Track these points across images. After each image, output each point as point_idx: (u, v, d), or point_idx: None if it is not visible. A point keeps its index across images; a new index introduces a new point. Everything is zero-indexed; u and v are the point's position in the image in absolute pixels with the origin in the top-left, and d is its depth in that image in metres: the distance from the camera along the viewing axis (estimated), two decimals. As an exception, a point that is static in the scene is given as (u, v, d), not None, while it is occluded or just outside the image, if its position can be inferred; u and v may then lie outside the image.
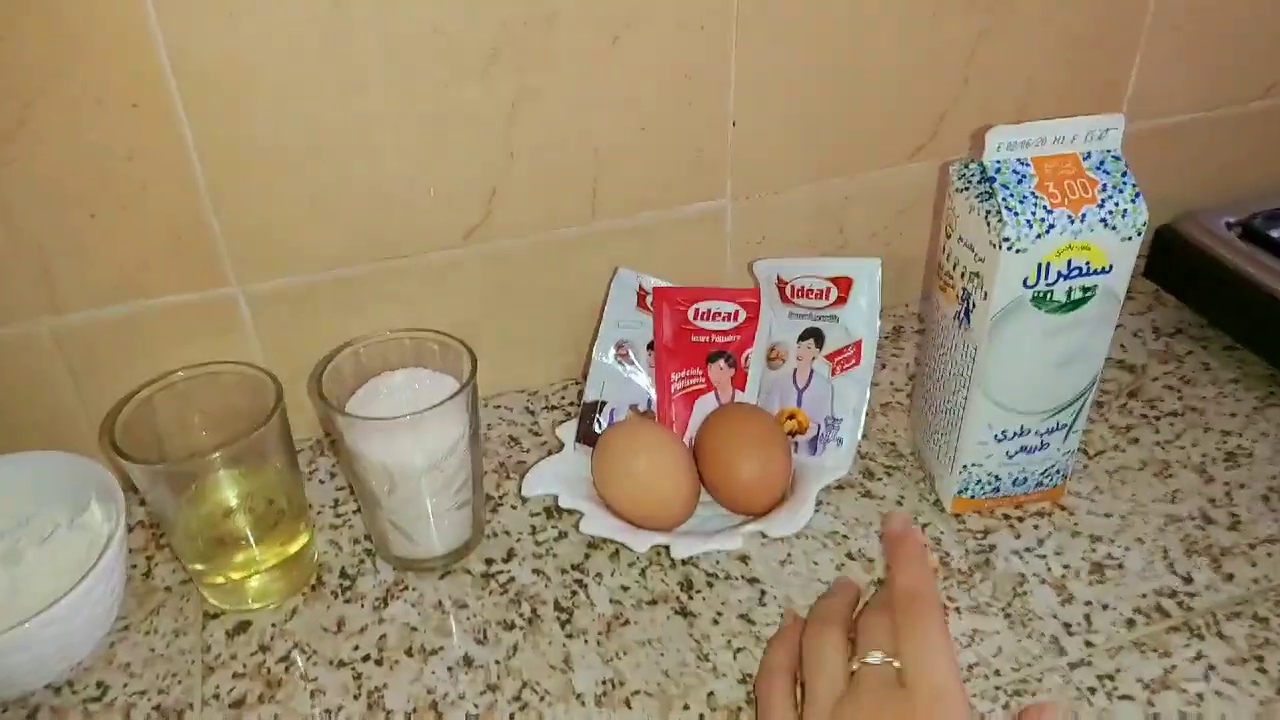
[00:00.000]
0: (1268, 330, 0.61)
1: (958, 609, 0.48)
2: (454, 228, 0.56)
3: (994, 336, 0.46)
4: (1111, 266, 0.45)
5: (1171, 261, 0.66)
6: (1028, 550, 0.52)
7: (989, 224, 0.44)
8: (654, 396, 0.57)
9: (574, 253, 0.59)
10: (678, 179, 0.59)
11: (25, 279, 0.50)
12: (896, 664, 0.38)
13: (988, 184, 0.44)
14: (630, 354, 0.57)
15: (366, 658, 0.48)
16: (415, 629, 0.49)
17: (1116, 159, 0.46)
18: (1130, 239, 0.45)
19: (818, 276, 0.55)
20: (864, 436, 0.59)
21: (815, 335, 0.56)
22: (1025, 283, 0.45)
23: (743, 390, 0.57)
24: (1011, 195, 0.44)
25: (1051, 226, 0.44)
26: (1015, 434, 0.50)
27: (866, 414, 0.55)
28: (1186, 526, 0.53)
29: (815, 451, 0.55)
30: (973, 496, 0.53)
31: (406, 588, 0.51)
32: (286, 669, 0.47)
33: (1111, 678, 0.45)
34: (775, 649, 0.44)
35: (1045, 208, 0.44)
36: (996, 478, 0.52)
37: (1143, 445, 0.58)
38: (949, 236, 0.48)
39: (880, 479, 0.56)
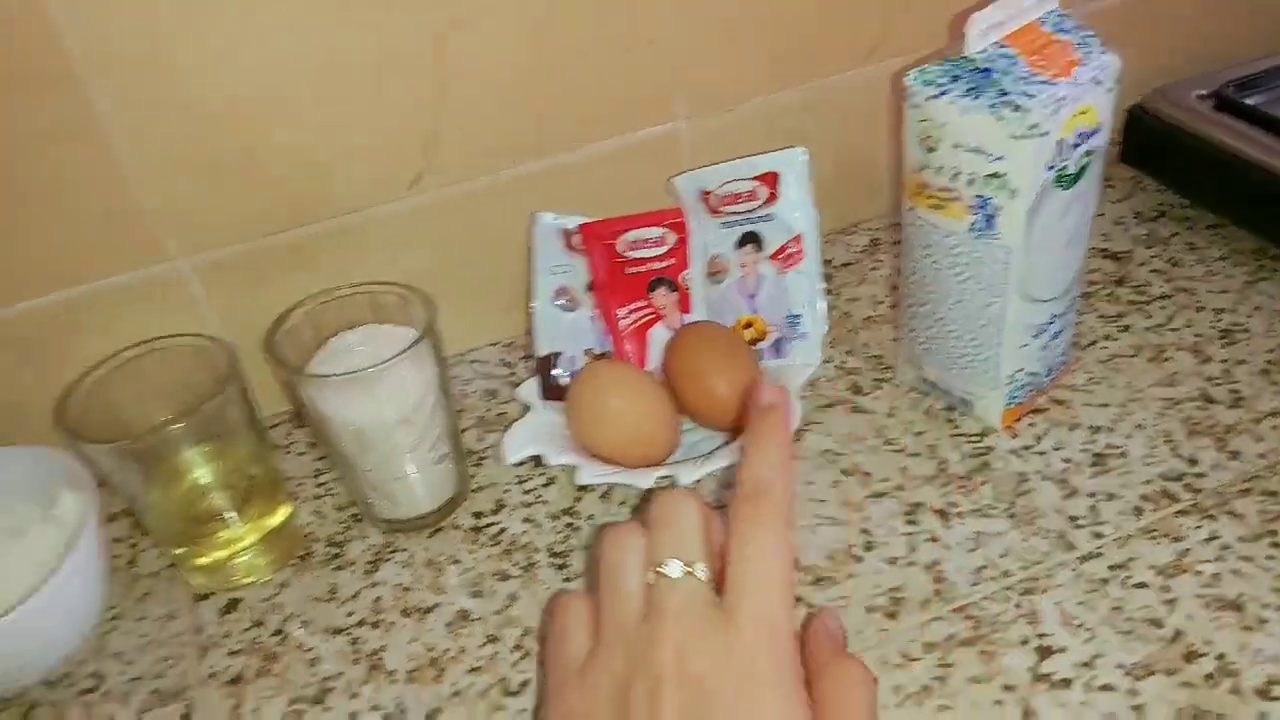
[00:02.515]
0: (1251, 202, 0.59)
1: (959, 514, 0.47)
2: (398, 177, 0.54)
3: (1028, 233, 0.44)
4: (1101, 124, 0.44)
5: (1146, 141, 0.64)
6: (1026, 449, 0.50)
7: (1002, 117, 0.41)
8: (605, 337, 0.55)
9: (529, 191, 0.57)
10: (624, 103, 0.56)
11: (-39, 273, 0.48)
12: (700, 574, 0.32)
13: (980, 77, 0.42)
14: (573, 298, 0.55)
15: (362, 622, 0.46)
16: (409, 589, 0.48)
17: (1063, 15, 0.44)
18: (1111, 89, 0.43)
19: (742, 179, 0.53)
20: (849, 353, 0.57)
21: (754, 239, 0.54)
22: (1049, 166, 0.42)
23: (689, 312, 0.56)
24: (1015, 80, 0.41)
25: (1062, 99, 0.41)
26: (1047, 324, 0.48)
27: (829, 306, 0.54)
28: (1187, 408, 0.51)
29: (781, 354, 0.54)
30: (1019, 404, 0.51)
31: (396, 549, 0.50)
32: (282, 641, 0.46)
33: (1124, 567, 0.44)
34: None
35: (1048, 82, 0.42)
36: (1034, 374, 0.50)
37: (1135, 331, 0.56)
38: (932, 150, 0.44)
39: (869, 393, 0.55)
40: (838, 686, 0.32)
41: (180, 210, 0.50)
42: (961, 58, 0.43)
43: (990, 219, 0.44)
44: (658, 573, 0.32)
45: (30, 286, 0.50)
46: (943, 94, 0.43)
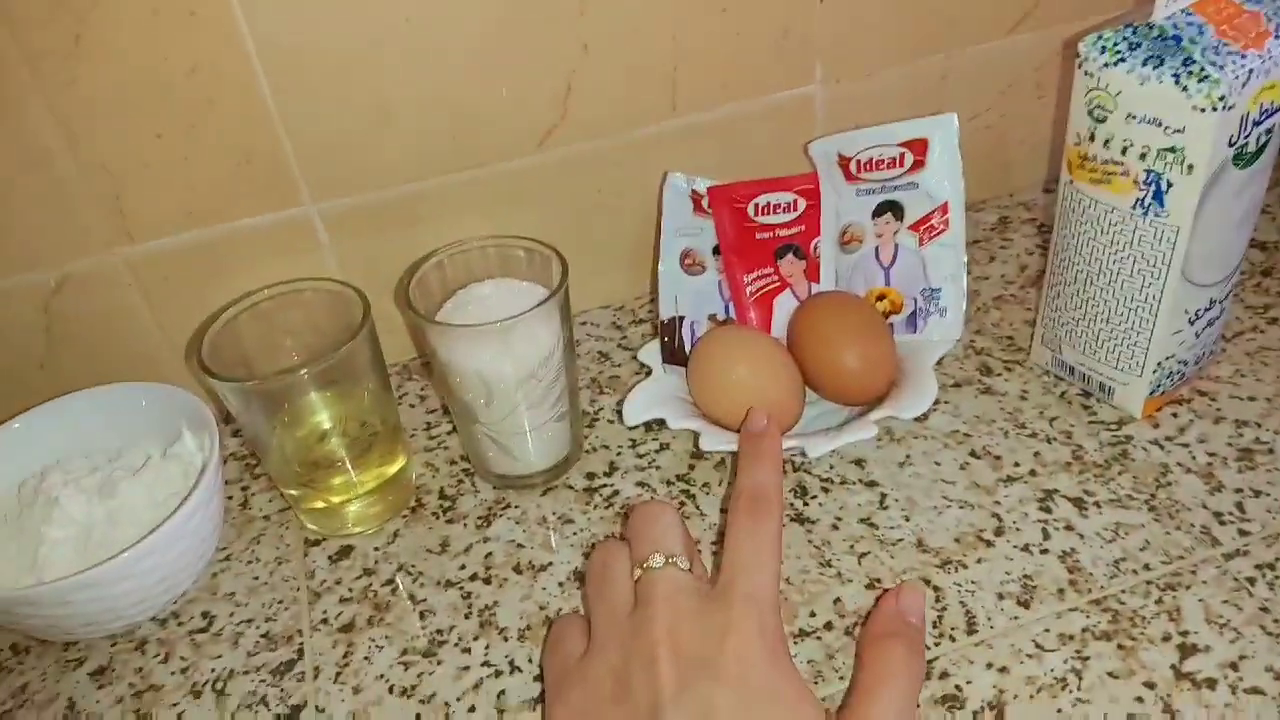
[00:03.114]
0: None
1: (1096, 503, 0.45)
2: (529, 132, 0.53)
3: (1199, 211, 0.41)
4: None
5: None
6: (1168, 439, 0.48)
7: (1186, 88, 0.39)
8: (730, 303, 0.54)
9: (655, 152, 0.56)
10: (763, 65, 0.55)
11: (96, 208, 0.49)
12: (681, 565, 0.35)
13: (1165, 45, 0.40)
14: (699, 262, 0.54)
15: (474, 577, 0.46)
16: (521, 546, 0.47)
17: None
18: None
19: (887, 145, 0.51)
20: (978, 332, 0.55)
21: (893, 208, 0.52)
22: (1230, 142, 0.40)
23: (817, 281, 0.54)
24: (1204, 49, 0.39)
25: (1251, 72, 0.39)
26: (1204, 310, 0.46)
27: (970, 287, 0.52)
28: (1341, 406, 0.49)
29: (916, 329, 0.52)
30: (1163, 392, 0.48)
31: (509, 505, 0.49)
32: (394, 591, 0.46)
33: (1271, 566, 0.42)
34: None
35: (1238, 54, 0.39)
36: (1183, 363, 0.48)
37: (1284, 324, 0.54)
38: (1102, 121, 0.42)
39: (999, 374, 0.53)
40: (873, 667, 0.34)
41: (316, 155, 0.50)
42: (1144, 24, 0.40)
43: (1159, 195, 0.41)
44: (643, 567, 0.35)
45: (166, 225, 0.50)
46: (1120, 61, 0.40)
